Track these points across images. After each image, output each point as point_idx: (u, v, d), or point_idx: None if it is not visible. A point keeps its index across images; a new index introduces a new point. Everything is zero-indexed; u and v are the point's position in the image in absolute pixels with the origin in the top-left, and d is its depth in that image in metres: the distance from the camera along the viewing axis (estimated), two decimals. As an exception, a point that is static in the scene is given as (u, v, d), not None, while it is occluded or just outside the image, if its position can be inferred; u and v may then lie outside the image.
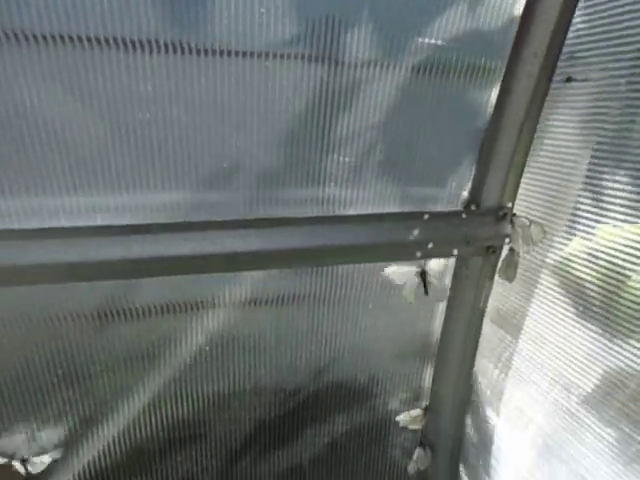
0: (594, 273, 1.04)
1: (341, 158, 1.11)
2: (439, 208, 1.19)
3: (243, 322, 1.36)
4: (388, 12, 0.98)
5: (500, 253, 1.26)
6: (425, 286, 1.23)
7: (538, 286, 1.21)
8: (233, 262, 1.04)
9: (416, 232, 1.13)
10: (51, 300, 1.16)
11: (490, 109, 1.13)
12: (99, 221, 1.02)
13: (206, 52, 0.96)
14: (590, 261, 1.04)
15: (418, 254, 1.18)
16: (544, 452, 1.26)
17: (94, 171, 1.00)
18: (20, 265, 0.92)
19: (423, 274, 1.24)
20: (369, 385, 1.49)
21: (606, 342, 1.04)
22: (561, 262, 1.13)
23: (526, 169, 1.17)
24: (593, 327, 1.06)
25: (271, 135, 1.05)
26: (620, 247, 0.97)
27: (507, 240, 1.20)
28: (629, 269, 0.96)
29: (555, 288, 1.15)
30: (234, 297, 1.31)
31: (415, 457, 1.52)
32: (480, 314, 1.35)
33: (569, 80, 1.05)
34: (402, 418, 1.48)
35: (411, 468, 1.53)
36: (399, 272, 1.19)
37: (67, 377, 1.27)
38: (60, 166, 0.97)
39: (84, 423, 1.35)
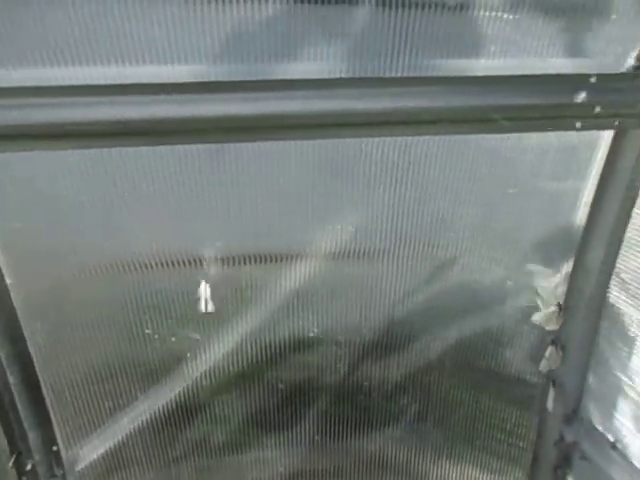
0: None
1: (501, 16, 1.05)
2: (603, 71, 1.11)
3: (331, 273, 1.40)
4: None
5: (665, 125, 1.16)
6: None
7: None
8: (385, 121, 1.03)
9: (582, 95, 1.06)
10: (141, 248, 1.27)
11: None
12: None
13: None
14: None
15: (578, 124, 1.11)
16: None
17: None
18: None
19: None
20: (500, 284, 1.47)
21: None
22: None
23: None
24: None
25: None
26: None
27: (680, 106, 1.10)
28: None
29: None
30: (320, 250, 1.35)
31: (547, 355, 1.49)
32: (633, 199, 1.27)
33: None
34: (537, 317, 1.45)
35: (543, 366, 1.51)
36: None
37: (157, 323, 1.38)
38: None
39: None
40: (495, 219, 1.35)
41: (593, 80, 1.07)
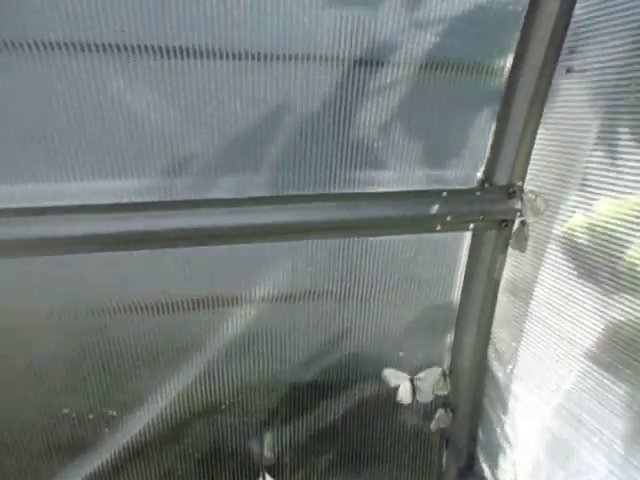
0: (594, 243, 1.19)
1: (373, 144, 1.28)
2: (457, 186, 1.35)
3: (268, 317, 1.53)
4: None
5: (512, 226, 1.41)
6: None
7: (547, 255, 1.36)
8: (278, 232, 1.23)
9: (436, 207, 1.29)
10: (92, 294, 1.36)
11: (500, 97, 1.29)
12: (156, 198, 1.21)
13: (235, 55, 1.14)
14: (590, 232, 1.19)
15: (438, 227, 1.34)
16: (558, 412, 1.40)
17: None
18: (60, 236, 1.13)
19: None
20: (394, 356, 1.65)
21: (607, 300, 1.19)
22: (566, 232, 1.28)
23: (534, 149, 1.32)
24: (595, 288, 1.21)
25: (312, 124, 1.23)
26: (615, 220, 1.12)
27: (518, 214, 1.35)
28: (625, 240, 1.10)
29: (561, 256, 1.30)
30: (260, 293, 1.48)
31: (437, 416, 1.68)
32: (495, 285, 1.50)
33: (569, 71, 1.20)
34: (425, 382, 1.64)
35: (433, 426, 1.68)
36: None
37: (104, 367, 1.47)
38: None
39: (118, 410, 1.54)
40: (386, 301, 1.54)
41: (444, 195, 1.30)
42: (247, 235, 1.23)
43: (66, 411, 1.48)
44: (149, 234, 1.14)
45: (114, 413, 1.53)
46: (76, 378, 1.47)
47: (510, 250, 1.47)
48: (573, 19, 1.18)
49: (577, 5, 1.15)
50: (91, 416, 1.53)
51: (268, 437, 1.58)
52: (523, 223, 1.37)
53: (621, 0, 1.07)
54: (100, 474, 1.61)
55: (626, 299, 1.11)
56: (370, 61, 1.21)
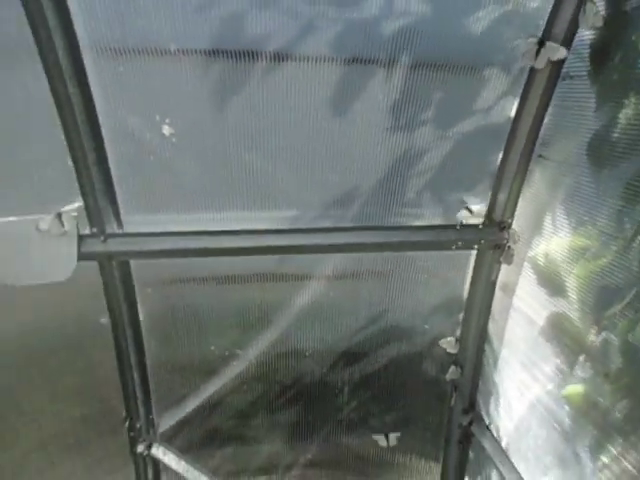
0: (545, 264, 1.93)
1: (411, 195, 2.05)
2: (468, 222, 2.10)
3: (331, 292, 2.34)
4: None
5: (504, 248, 2.15)
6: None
7: (523, 268, 2.10)
8: (350, 248, 2.04)
9: (453, 236, 2.06)
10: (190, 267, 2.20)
11: (496, 169, 2.02)
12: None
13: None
14: (546, 257, 1.93)
15: (453, 247, 2.11)
16: (528, 370, 2.17)
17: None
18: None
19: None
20: (422, 327, 2.44)
21: (554, 299, 1.93)
22: (534, 255, 2.02)
23: (519, 202, 2.05)
24: (547, 292, 1.96)
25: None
26: (557, 252, 1.86)
27: (506, 241, 2.09)
28: (567, 264, 1.84)
29: (530, 269, 2.05)
30: (324, 272, 2.29)
31: (450, 371, 2.47)
32: (492, 284, 2.25)
33: (540, 156, 1.92)
34: (443, 342, 2.43)
35: (448, 377, 2.48)
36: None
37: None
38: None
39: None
40: (420, 292, 2.32)
41: (458, 228, 2.06)
42: (332, 248, 2.05)
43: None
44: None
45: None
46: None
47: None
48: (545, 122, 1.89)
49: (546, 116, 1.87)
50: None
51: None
52: (509, 246, 2.11)
53: (573, 115, 1.78)
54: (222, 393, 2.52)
55: (560, 301, 1.86)
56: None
